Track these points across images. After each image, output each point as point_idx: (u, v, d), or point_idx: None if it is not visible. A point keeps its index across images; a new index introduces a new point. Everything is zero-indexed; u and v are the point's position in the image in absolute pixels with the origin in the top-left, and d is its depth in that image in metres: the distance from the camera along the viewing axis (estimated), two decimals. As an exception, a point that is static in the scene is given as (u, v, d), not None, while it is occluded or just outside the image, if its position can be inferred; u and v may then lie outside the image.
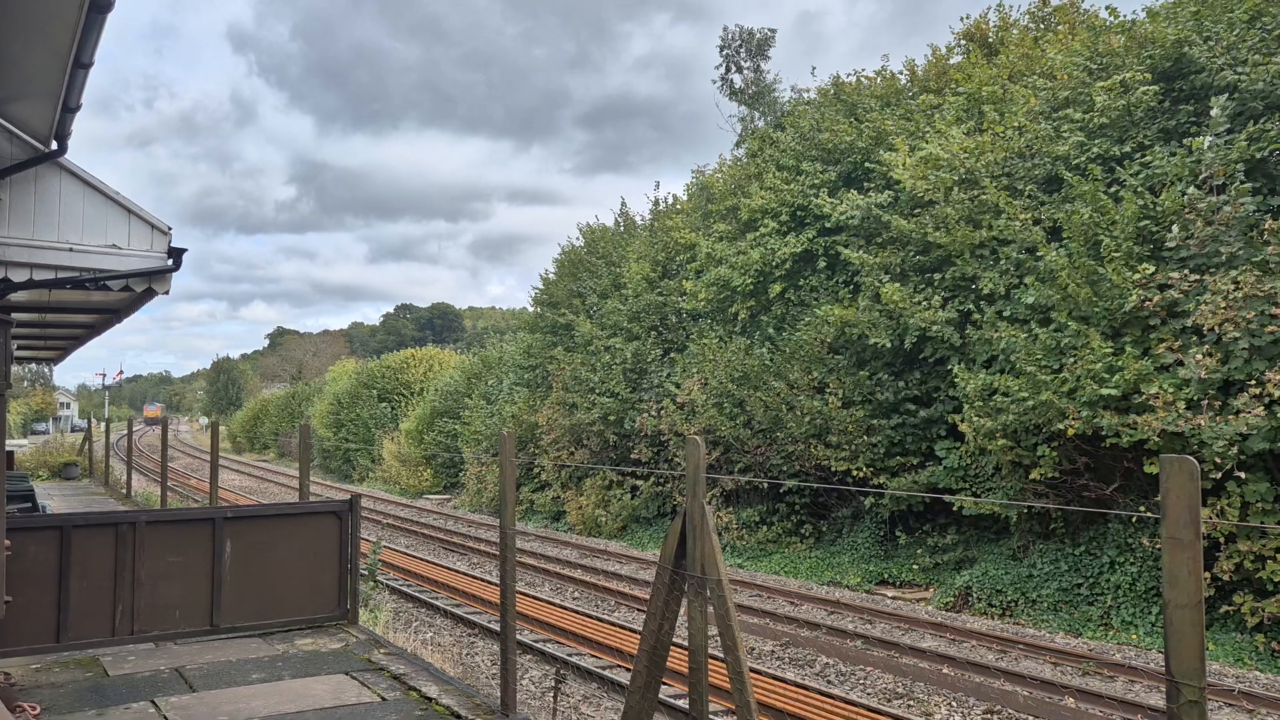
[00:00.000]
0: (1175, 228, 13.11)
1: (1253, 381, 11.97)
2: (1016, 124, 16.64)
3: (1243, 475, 11.97)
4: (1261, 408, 11.70)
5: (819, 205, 19.50)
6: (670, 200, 29.03)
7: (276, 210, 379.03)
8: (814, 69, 55.42)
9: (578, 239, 30.79)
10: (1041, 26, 20.70)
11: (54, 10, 6.31)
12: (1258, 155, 12.93)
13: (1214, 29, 14.71)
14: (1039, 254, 14.42)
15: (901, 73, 22.37)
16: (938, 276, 16.93)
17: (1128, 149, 14.95)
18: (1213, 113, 13.44)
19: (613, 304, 26.50)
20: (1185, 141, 13.93)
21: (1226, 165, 12.86)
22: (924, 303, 16.47)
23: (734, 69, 31.48)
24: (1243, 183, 12.70)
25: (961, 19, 22.31)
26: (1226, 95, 13.89)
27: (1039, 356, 13.91)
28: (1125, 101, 15.01)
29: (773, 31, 31.52)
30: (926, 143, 17.69)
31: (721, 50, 31.59)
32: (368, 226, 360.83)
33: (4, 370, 6.94)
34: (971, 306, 16.02)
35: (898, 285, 16.82)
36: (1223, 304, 12.19)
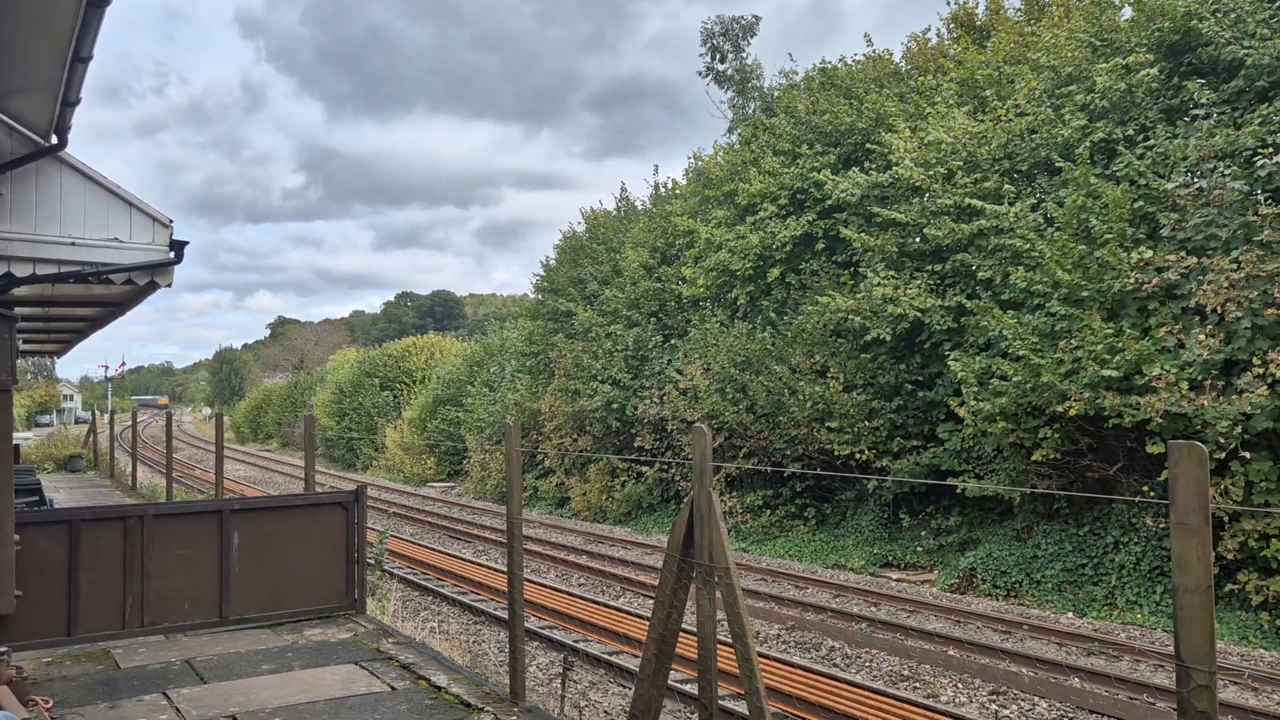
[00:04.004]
0: (1172, 215, 13.08)
1: (1256, 361, 11.96)
2: (1017, 106, 16.54)
3: (1247, 455, 11.99)
4: (1265, 387, 11.71)
5: (821, 180, 19.46)
6: (669, 185, 28.96)
7: (284, 198, 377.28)
8: (790, 53, 54.81)
9: (580, 224, 30.74)
10: (1034, 7, 20.49)
11: (53, 3, 6.27)
12: (1265, 139, 12.81)
13: (1225, 2, 14.60)
14: (1031, 244, 14.36)
15: (886, 54, 22.17)
16: (938, 266, 16.89)
17: (1130, 131, 14.89)
18: (1195, 98, 13.37)
19: (611, 291, 26.49)
20: (1179, 125, 13.87)
21: (1227, 144, 12.79)
22: (916, 290, 16.43)
23: (718, 57, 31.39)
24: (1229, 167, 12.64)
25: (948, 3, 21.92)
26: (1205, 83, 13.87)
27: (1033, 340, 13.90)
28: (1127, 83, 14.92)
29: (757, 18, 31.53)
30: (929, 125, 17.57)
31: (704, 41, 31.52)
32: (375, 214, 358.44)
33: (9, 365, 6.95)
34: (964, 300, 15.97)
35: (893, 273, 16.78)
36: (1225, 284, 12.17)
